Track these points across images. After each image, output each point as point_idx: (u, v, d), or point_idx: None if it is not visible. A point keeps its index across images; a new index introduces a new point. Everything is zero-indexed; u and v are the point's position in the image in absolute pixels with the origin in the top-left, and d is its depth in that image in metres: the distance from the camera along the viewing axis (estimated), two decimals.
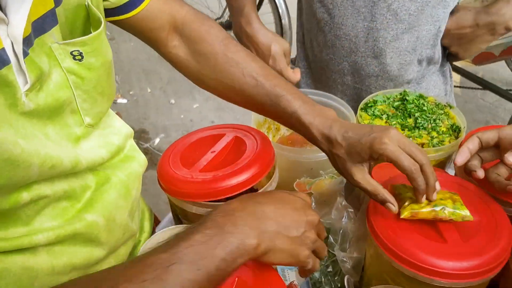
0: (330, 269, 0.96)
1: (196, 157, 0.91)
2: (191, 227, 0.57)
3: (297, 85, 1.27)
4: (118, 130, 0.83)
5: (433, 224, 0.77)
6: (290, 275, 0.90)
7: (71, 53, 0.66)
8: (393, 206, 0.74)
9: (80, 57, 0.67)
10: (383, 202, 0.75)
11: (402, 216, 0.76)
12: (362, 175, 0.76)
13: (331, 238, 0.92)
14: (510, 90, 2.68)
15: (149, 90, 3.86)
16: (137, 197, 0.80)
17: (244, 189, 0.83)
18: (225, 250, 0.54)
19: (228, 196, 0.82)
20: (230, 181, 0.83)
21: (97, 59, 0.70)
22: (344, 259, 0.90)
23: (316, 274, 0.96)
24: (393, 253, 0.73)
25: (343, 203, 0.94)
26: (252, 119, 1.06)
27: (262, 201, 0.64)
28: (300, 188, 1.02)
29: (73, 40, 0.66)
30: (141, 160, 0.85)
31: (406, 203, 0.76)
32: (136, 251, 0.87)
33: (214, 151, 0.91)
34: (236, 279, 0.68)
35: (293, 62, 1.47)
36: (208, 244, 0.54)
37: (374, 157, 0.74)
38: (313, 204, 0.98)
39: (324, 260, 0.97)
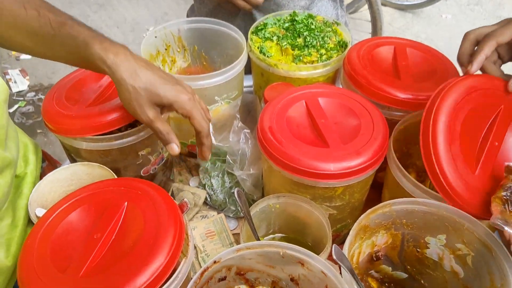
0: (233, 190, 0.99)
1: (83, 94, 0.88)
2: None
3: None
4: None
5: (317, 131, 0.81)
6: None
7: None
8: (176, 147, 0.79)
9: None
10: (167, 143, 0.79)
11: None
12: (157, 114, 0.76)
13: (229, 159, 0.95)
14: None
15: None
16: (3, 124, 0.75)
17: (132, 119, 0.81)
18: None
19: (117, 127, 0.81)
20: (117, 112, 0.81)
21: None
22: (244, 177, 0.93)
23: (221, 196, 0.99)
24: (280, 163, 0.77)
25: (239, 125, 0.96)
26: (141, 53, 1.02)
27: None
28: None
29: None
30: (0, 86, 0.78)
31: None
32: (24, 183, 0.84)
33: (101, 85, 0.88)
34: (126, 203, 0.68)
35: None
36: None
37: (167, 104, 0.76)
38: (212, 130, 0.99)
39: (227, 182, 1.00)
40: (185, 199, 0.87)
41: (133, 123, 0.87)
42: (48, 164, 1.01)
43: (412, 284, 0.82)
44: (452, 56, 0.92)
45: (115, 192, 0.70)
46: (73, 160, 0.90)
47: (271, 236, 0.89)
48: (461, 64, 0.82)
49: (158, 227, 0.64)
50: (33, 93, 3.06)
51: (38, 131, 2.77)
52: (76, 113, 0.82)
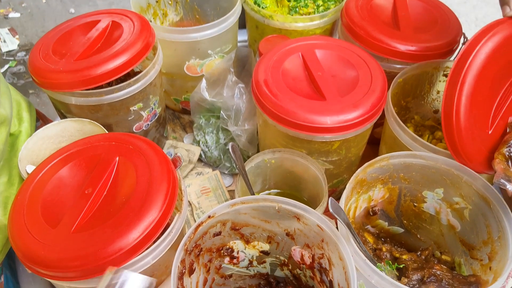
0: (228, 146, 0.97)
1: (71, 47, 0.84)
2: None
3: None
4: None
5: (314, 84, 0.78)
6: None
7: None
8: None
9: None
10: None
11: None
12: None
13: (223, 115, 0.92)
14: None
15: (44, 1, 3.50)
16: None
17: (122, 73, 0.78)
18: None
19: (107, 81, 0.78)
20: (106, 66, 0.78)
21: None
22: (239, 133, 0.91)
23: (215, 153, 0.98)
24: (276, 117, 0.74)
25: (234, 79, 0.93)
26: (131, 4, 0.98)
27: None
28: (191, 71, 0.99)
29: None
30: None
31: None
32: (18, 141, 0.82)
33: (90, 38, 0.85)
34: (117, 158, 0.67)
35: None
36: None
37: None
38: (205, 85, 0.96)
39: (222, 138, 0.98)
40: (178, 154, 0.85)
41: (124, 78, 0.84)
42: (42, 123, 0.99)
43: (408, 238, 0.82)
44: (454, 6, 0.89)
45: (106, 147, 0.68)
46: (63, 117, 0.88)
47: (267, 192, 0.88)
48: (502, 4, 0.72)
49: (151, 182, 0.62)
50: (23, 53, 2.98)
51: (30, 91, 2.73)
52: (64, 67, 0.78)
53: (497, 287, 0.58)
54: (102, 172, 0.65)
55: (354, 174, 0.68)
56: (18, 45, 3.04)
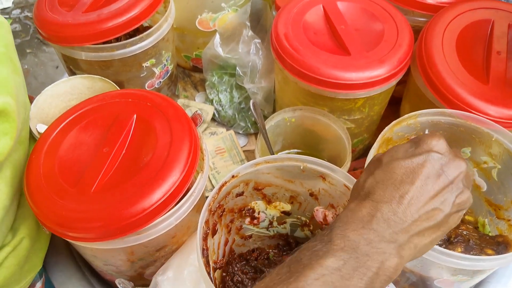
0: (243, 105, 0.94)
1: None
2: (313, 242, 0.43)
3: None
4: None
5: (337, 38, 0.74)
6: None
7: None
8: None
9: None
10: None
11: None
12: None
13: (239, 71, 0.89)
14: None
15: None
16: None
17: (133, 27, 0.74)
18: (363, 280, 0.40)
19: (118, 35, 0.74)
20: (117, 19, 0.74)
21: None
22: (254, 90, 0.88)
23: (229, 112, 0.95)
24: (297, 73, 0.71)
25: (249, 34, 0.89)
26: None
27: (393, 194, 0.44)
28: (203, 25, 0.95)
29: None
30: None
31: None
32: None
33: None
34: (135, 115, 0.64)
35: None
36: (342, 273, 0.40)
37: None
38: (219, 41, 0.92)
39: (236, 97, 0.95)
40: (198, 111, 0.82)
41: (133, 33, 0.80)
42: None
43: None
44: None
45: (122, 104, 0.65)
46: (72, 74, 0.84)
47: (286, 151, 0.86)
48: None
49: (172, 141, 0.60)
50: (18, 10, 2.89)
51: (28, 50, 2.65)
52: (72, 20, 0.74)
53: None
54: (119, 130, 0.62)
55: (381, 133, 0.65)
56: (13, 2, 2.93)
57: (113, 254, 0.61)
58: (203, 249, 0.56)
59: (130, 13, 0.74)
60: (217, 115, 0.96)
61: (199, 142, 0.63)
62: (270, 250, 0.74)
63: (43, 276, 0.73)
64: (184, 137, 0.60)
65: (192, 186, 0.60)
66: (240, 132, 0.95)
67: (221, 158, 0.91)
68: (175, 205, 0.58)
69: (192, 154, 0.59)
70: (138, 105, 0.65)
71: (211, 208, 0.58)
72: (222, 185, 0.59)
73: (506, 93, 0.70)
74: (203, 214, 0.56)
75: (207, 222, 0.58)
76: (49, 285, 0.73)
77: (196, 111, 0.81)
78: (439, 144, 0.47)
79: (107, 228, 0.54)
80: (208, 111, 0.95)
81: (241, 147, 0.93)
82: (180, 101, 0.98)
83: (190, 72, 1.07)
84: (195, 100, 1.01)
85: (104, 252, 0.60)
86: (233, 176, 0.60)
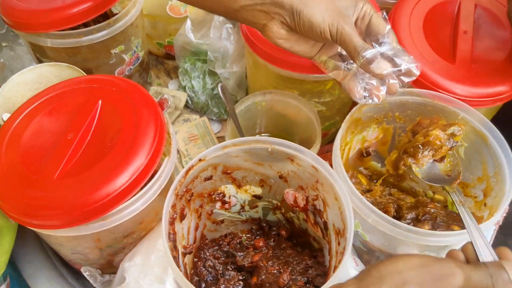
0: (216, 91, 0.94)
1: None
2: None
3: None
4: None
5: None
6: None
7: None
8: None
9: None
10: None
11: None
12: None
13: (211, 56, 0.88)
14: None
15: None
16: None
17: (99, 12, 0.73)
18: None
19: (84, 21, 0.73)
20: (83, 5, 0.73)
21: None
22: (226, 76, 0.88)
23: (202, 98, 0.94)
24: (267, 56, 0.71)
25: (220, 19, 0.88)
26: None
27: None
28: (174, 11, 0.94)
29: None
30: None
31: None
32: None
33: None
34: (100, 101, 0.63)
35: None
36: None
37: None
38: (190, 26, 0.91)
39: (209, 83, 0.95)
40: (165, 96, 0.81)
41: (102, 20, 0.79)
42: None
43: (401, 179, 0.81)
44: None
45: (87, 90, 0.64)
46: (39, 62, 0.83)
47: (257, 136, 0.85)
48: None
49: (137, 126, 0.59)
50: None
51: (4, 44, 2.60)
52: (37, 5, 0.73)
53: (494, 222, 0.58)
54: (84, 116, 0.61)
55: (349, 113, 0.66)
56: None
57: (79, 242, 0.60)
58: (169, 233, 0.56)
59: None
60: (190, 102, 0.96)
61: (166, 126, 0.62)
62: (243, 235, 0.75)
63: (8, 279, 0.72)
64: (149, 121, 0.59)
65: (158, 170, 0.60)
66: (214, 118, 0.95)
67: (195, 145, 0.91)
68: (141, 189, 0.57)
69: (158, 138, 0.59)
70: (104, 91, 0.64)
71: (177, 192, 0.58)
72: (189, 169, 0.59)
73: (472, 72, 0.71)
74: (169, 198, 0.55)
75: (173, 206, 0.57)
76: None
77: (163, 95, 0.80)
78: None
79: (70, 214, 0.53)
80: (181, 97, 0.95)
81: (215, 134, 0.93)
82: (153, 89, 0.98)
83: (163, 60, 1.06)
84: (168, 88, 1.00)
85: (70, 239, 0.59)
86: (200, 160, 0.60)
